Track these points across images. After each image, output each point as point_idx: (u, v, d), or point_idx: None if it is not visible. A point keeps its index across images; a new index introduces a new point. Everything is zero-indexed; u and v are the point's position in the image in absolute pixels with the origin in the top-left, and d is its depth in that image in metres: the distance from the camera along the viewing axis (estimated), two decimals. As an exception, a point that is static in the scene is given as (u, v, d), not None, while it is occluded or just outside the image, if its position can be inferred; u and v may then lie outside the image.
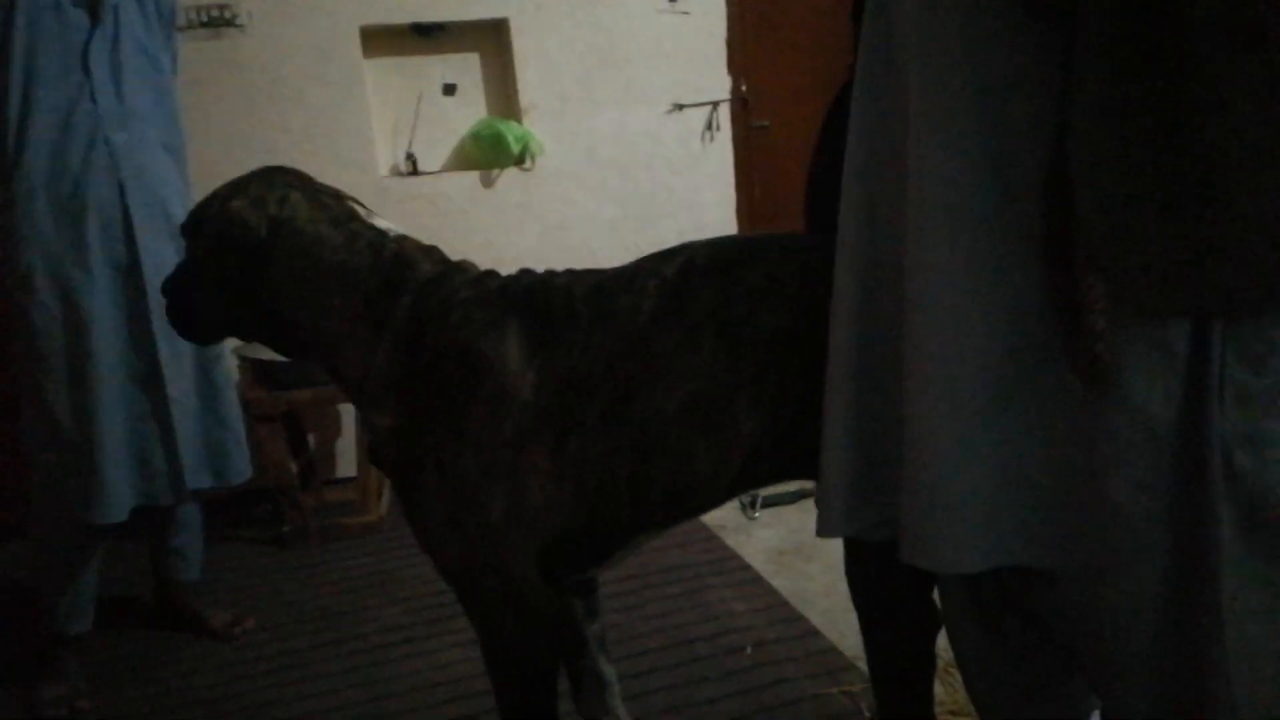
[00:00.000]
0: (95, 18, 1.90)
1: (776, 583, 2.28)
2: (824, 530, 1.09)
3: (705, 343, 1.14)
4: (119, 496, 1.94)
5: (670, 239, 3.43)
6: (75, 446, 1.91)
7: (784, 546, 2.51)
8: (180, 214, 2.05)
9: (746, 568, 2.37)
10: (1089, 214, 0.80)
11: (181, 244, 2.03)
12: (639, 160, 3.38)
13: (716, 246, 1.22)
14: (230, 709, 1.94)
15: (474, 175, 3.22)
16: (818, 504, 1.10)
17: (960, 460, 0.90)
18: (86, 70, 1.89)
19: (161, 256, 1.98)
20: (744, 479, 1.20)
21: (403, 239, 1.26)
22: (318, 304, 1.21)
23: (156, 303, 1.96)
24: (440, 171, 3.26)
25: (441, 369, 1.16)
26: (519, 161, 3.22)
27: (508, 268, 3.41)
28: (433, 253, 1.29)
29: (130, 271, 1.95)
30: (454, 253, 3.35)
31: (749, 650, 1.97)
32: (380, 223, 1.28)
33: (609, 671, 1.52)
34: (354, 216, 1.25)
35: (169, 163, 2.04)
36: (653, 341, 1.15)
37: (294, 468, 2.86)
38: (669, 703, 1.81)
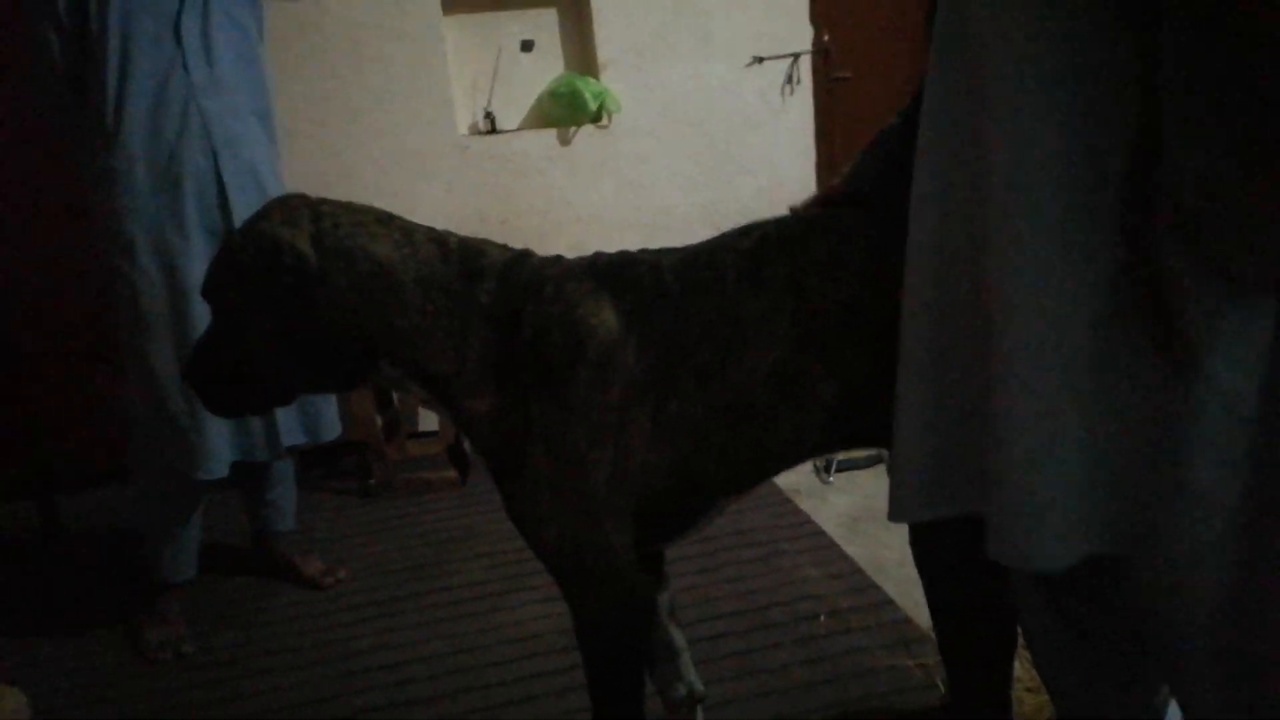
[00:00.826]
0: (186, -12, 1.95)
1: (851, 550, 2.28)
2: (897, 515, 1.11)
3: (784, 312, 1.19)
4: (220, 453, 2.04)
5: (747, 196, 3.42)
6: (178, 406, 2.00)
7: (858, 513, 2.50)
8: (271, 179, 2.12)
9: (821, 533, 2.38)
10: (1183, 190, 0.79)
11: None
12: (716, 116, 3.32)
13: (784, 224, 1.26)
14: (320, 657, 2.04)
15: (551, 133, 3.22)
16: (891, 488, 1.12)
17: (1051, 456, 0.90)
18: (179, 40, 1.93)
19: (253, 222, 2.05)
20: (821, 443, 1.25)
21: (451, 232, 1.28)
22: (391, 306, 1.18)
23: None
24: (518, 129, 3.26)
25: (544, 342, 1.18)
26: (596, 119, 3.20)
27: (585, 225, 3.42)
28: (491, 241, 1.30)
29: (226, 237, 2.01)
30: (532, 211, 3.36)
31: (822, 618, 1.98)
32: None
33: (680, 638, 1.55)
34: (393, 217, 1.23)
35: (259, 129, 2.09)
36: (739, 309, 1.19)
37: (379, 422, 2.95)
38: (741, 668, 1.84)
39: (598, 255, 1.29)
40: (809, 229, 1.23)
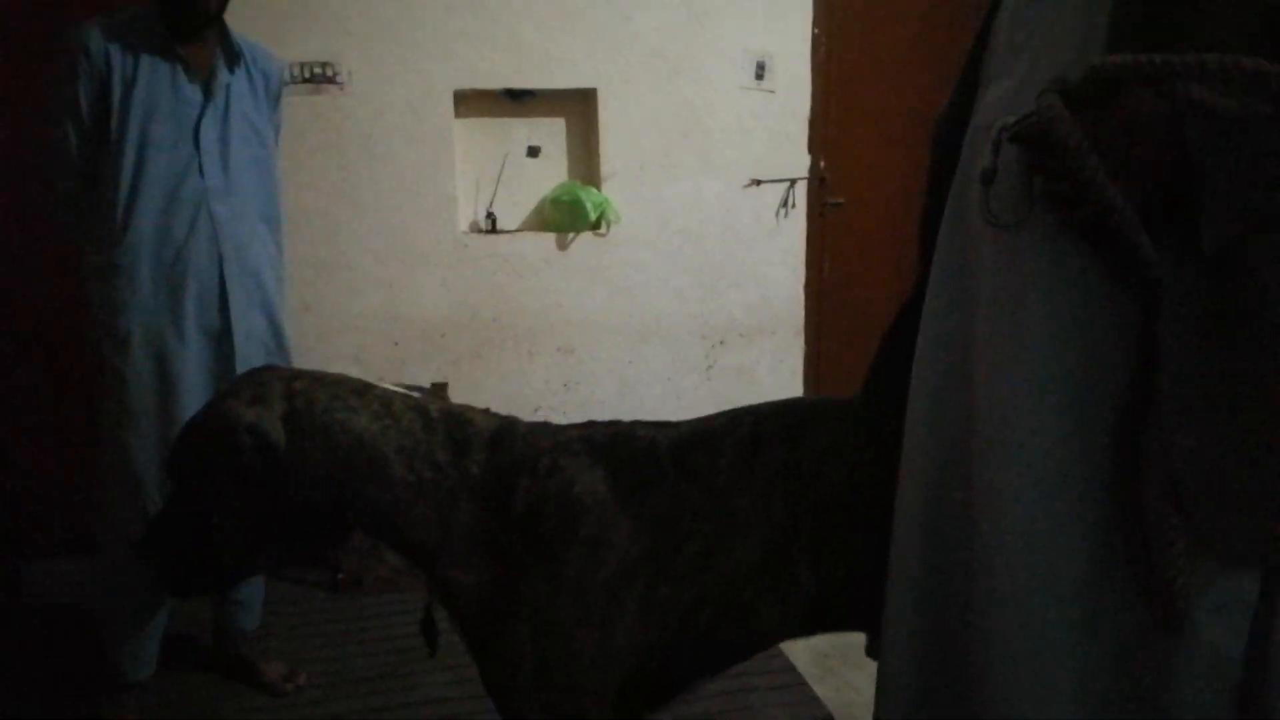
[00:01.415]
0: (209, 94, 1.99)
1: (820, 690, 2.27)
2: (885, 714, 1.11)
3: (774, 503, 1.21)
4: None
5: (737, 310, 3.49)
6: (152, 501, 1.98)
7: (829, 650, 2.49)
8: (272, 285, 2.14)
9: (791, 669, 2.36)
10: (1175, 465, 0.81)
11: (270, 314, 2.13)
12: (712, 231, 3.40)
13: (783, 409, 1.30)
14: (277, 772, 1.99)
15: (550, 237, 3.28)
16: (878, 688, 1.13)
17: (1041, 694, 0.91)
18: (197, 144, 1.97)
19: (251, 325, 2.07)
20: (802, 629, 1.27)
21: (433, 399, 1.28)
22: (373, 479, 1.16)
23: (244, 368, 2.04)
24: (518, 230, 3.32)
25: (538, 517, 1.18)
26: (595, 226, 3.27)
27: (576, 328, 3.45)
28: (472, 407, 1.31)
29: (221, 339, 2.02)
30: (526, 310, 3.39)
31: (790, 767, 1.96)
32: (395, 387, 1.26)
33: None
34: (369, 386, 1.22)
35: (266, 236, 2.12)
36: (731, 499, 1.21)
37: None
38: (706, 819, 1.81)
39: (591, 426, 1.30)
40: (808, 418, 1.26)
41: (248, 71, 2.07)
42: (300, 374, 1.21)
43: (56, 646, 2.49)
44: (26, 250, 2.87)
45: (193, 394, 1.99)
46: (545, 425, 1.30)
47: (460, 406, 1.28)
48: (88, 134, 1.93)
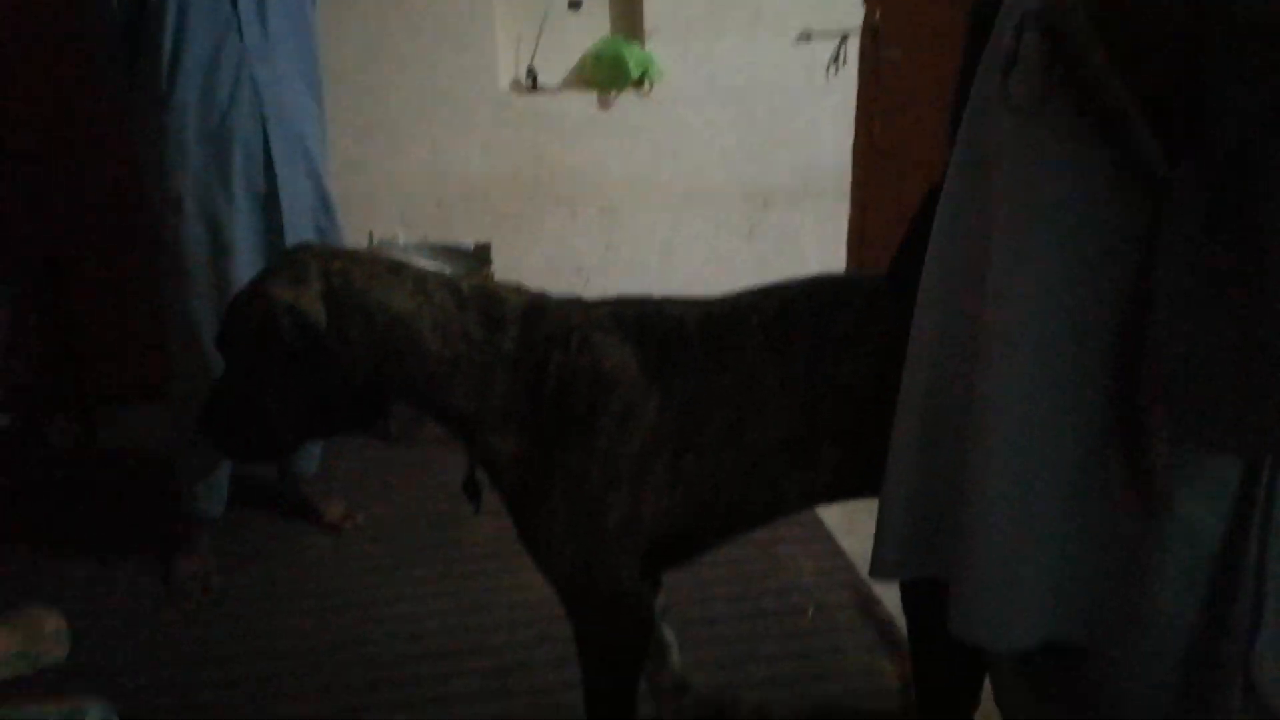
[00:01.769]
0: (243, -46, 1.97)
1: (846, 543, 2.37)
2: (876, 571, 1.18)
3: (800, 385, 1.25)
4: None
5: (784, 173, 3.43)
6: (214, 356, 2.09)
7: (858, 503, 2.58)
8: (316, 147, 2.17)
9: (819, 523, 2.47)
10: (1166, 357, 0.84)
11: (315, 176, 2.17)
12: (759, 91, 3.31)
13: (811, 289, 1.31)
14: (331, 604, 2.17)
15: (592, 95, 3.22)
16: (873, 546, 1.17)
17: (1027, 550, 0.96)
18: (234, 6, 1.96)
19: (297, 187, 2.11)
20: (825, 498, 1.36)
21: (463, 276, 1.32)
22: (410, 354, 1.21)
23: (291, 229, 2.11)
24: (559, 89, 3.27)
25: (570, 391, 1.23)
26: (638, 85, 3.20)
27: (619, 190, 3.45)
28: (503, 283, 1.35)
29: (269, 201, 2.08)
30: (568, 172, 3.39)
31: (810, 613, 2.09)
32: (427, 263, 1.32)
33: (670, 635, 1.66)
34: (403, 265, 1.26)
35: (307, 97, 2.13)
36: (759, 375, 1.26)
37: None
38: (727, 655, 1.95)
39: (621, 301, 1.32)
40: (834, 300, 1.29)
41: (283, -71, 2.03)
42: (337, 253, 1.26)
43: (131, 490, 2.69)
44: (81, 110, 2.92)
45: (244, 255, 2.07)
46: (575, 300, 1.33)
47: (492, 283, 1.33)
48: None
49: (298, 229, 2.12)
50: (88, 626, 2.08)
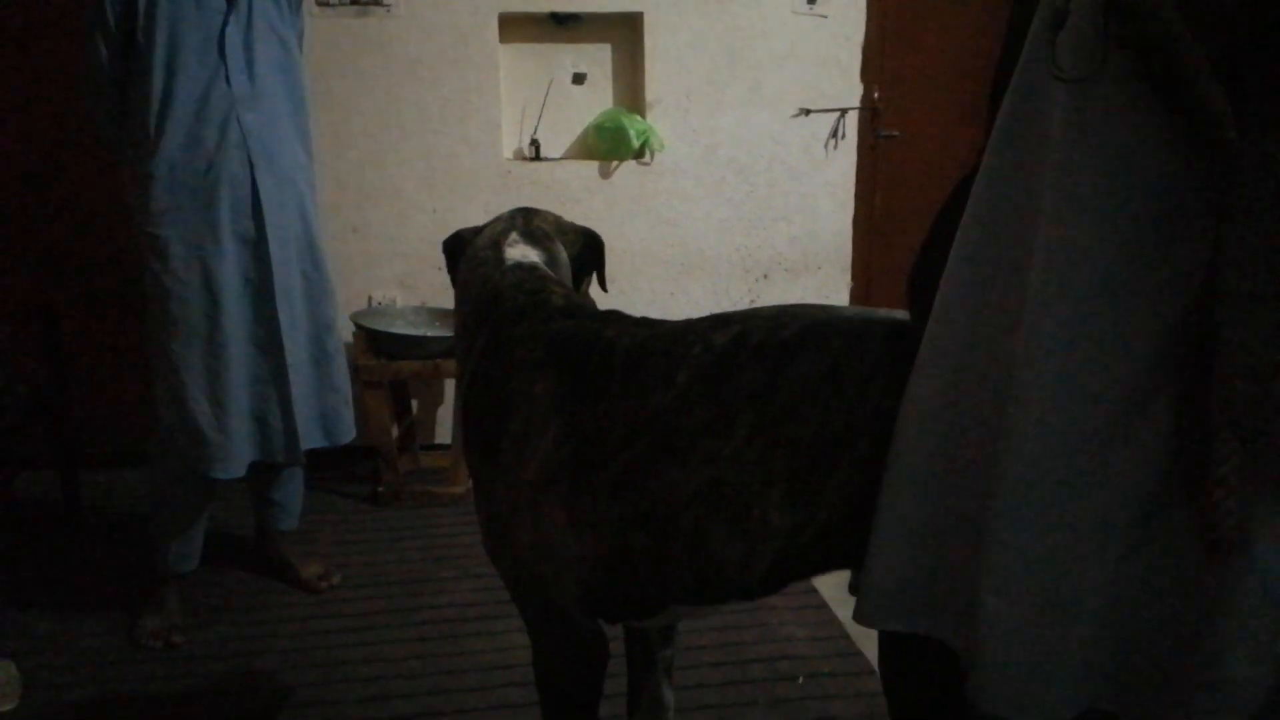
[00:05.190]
0: (230, 2, 2.00)
1: (841, 613, 2.26)
2: (862, 617, 1.04)
3: (738, 430, 1.07)
4: (240, 453, 2.09)
5: (782, 244, 3.44)
6: (200, 408, 2.05)
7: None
8: (304, 189, 2.18)
9: (813, 592, 2.36)
10: (1236, 380, 0.74)
11: (305, 218, 2.18)
12: (758, 163, 3.35)
13: (777, 322, 1.12)
14: (304, 662, 2.07)
15: (594, 165, 3.27)
16: (861, 590, 1.04)
17: (1066, 609, 0.84)
18: (222, 53, 2.00)
19: (285, 231, 2.11)
20: (785, 571, 1.12)
21: (513, 269, 1.34)
22: (461, 302, 1.42)
23: (279, 275, 2.10)
24: (561, 158, 3.32)
25: (489, 399, 1.22)
26: (638, 155, 3.24)
27: (617, 258, 3.45)
28: (525, 283, 1.31)
29: (257, 245, 2.07)
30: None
31: (800, 680, 1.97)
32: (516, 252, 1.39)
33: (669, 697, 1.56)
34: (499, 245, 1.41)
35: (295, 142, 2.15)
36: (678, 419, 1.10)
37: (395, 431, 3.00)
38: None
39: (565, 320, 1.24)
40: (805, 335, 1.09)
41: (268, -21, 2.08)
42: (513, 219, 1.49)
43: (110, 549, 2.62)
44: (72, 161, 2.97)
45: (231, 298, 2.05)
46: (546, 311, 1.26)
47: (516, 282, 1.33)
48: (116, 46, 1.97)
49: (285, 275, 2.11)
50: (42, 679, 1.99)
